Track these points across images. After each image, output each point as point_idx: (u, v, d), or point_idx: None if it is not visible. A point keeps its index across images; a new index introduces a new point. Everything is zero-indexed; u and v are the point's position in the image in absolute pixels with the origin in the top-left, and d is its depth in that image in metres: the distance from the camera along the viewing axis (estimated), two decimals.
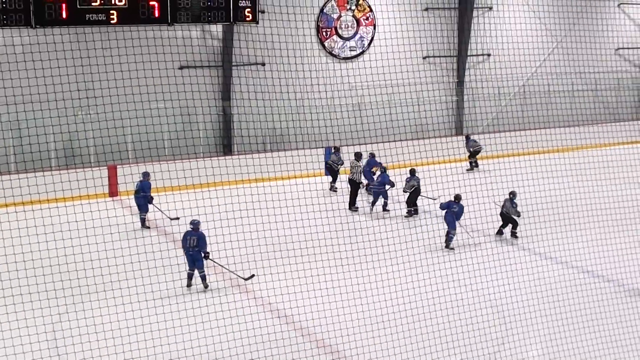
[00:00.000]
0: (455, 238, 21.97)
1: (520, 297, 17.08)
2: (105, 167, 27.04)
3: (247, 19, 18.86)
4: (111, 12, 18.29)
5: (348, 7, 33.55)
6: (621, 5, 39.94)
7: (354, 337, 15.05)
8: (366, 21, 34.03)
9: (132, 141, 23.11)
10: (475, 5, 35.44)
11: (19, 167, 26.50)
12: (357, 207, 26.29)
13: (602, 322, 15.69)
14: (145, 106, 20.97)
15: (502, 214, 22.70)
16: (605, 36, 38.31)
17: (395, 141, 29.40)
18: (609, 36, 38.33)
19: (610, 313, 16.26)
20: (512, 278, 17.47)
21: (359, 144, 27.91)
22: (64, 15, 18.11)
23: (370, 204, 26.49)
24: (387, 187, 25.94)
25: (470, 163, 33.04)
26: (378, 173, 26.66)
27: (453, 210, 22.01)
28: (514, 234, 22.74)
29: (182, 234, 18.85)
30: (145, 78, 19.12)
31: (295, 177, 28.42)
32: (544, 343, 15.64)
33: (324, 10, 33.06)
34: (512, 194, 22.38)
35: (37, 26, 17.86)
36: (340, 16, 33.48)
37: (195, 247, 18.40)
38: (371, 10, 33.97)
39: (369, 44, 34.22)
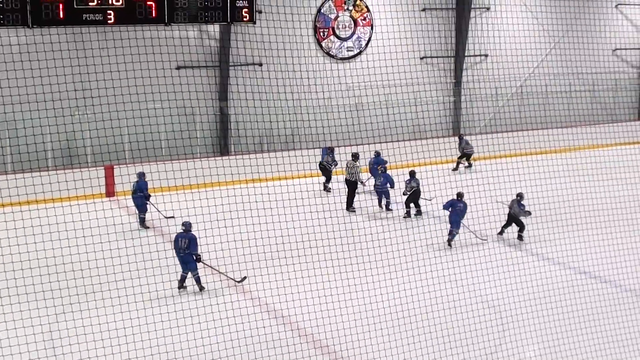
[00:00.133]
0: (456, 237, 22.01)
1: (517, 298, 17.07)
2: (102, 167, 27.03)
3: (245, 19, 18.88)
4: (108, 12, 18.29)
5: (345, 8, 33.55)
6: (619, 6, 39.97)
7: (351, 338, 15.03)
8: (363, 21, 34.03)
9: (129, 141, 23.13)
10: (472, 6, 35.45)
11: (16, 167, 26.48)
12: (355, 209, 26.25)
13: (599, 323, 15.68)
14: (142, 106, 20.97)
15: (509, 215, 22.53)
16: (602, 37, 38.34)
17: (392, 142, 29.41)
18: (607, 37, 38.36)
19: (608, 313, 16.25)
20: (509, 278, 17.45)
21: (356, 145, 27.89)
22: (61, 15, 18.11)
23: (378, 204, 26.74)
24: (388, 186, 26.04)
25: (457, 163, 33.05)
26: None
27: (458, 209, 22.03)
28: (520, 237, 22.46)
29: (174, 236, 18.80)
30: (142, 78, 19.09)
31: (293, 178, 28.41)
32: (542, 343, 15.63)
33: (322, 11, 33.05)
34: (520, 196, 22.16)
35: (34, 26, 17.87)
36: (337, 16, 33.47)
37: (186, 250, 18.27)
38: (368, 11, 33.97)
39: (367, 45, 34.22)
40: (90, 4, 18.24)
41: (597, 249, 19.65)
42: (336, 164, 28.84)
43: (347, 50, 34.03)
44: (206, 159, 27.11)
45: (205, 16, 19.00)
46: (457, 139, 33.83)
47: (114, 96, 20.93)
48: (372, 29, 34.17)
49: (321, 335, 15.53)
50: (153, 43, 19.59)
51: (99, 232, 18.59)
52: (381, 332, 15.49)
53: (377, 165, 28.10)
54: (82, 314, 16.48)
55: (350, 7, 33.67)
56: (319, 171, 29.22)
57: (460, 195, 22.15)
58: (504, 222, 22.81)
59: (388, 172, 26.64)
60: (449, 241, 21.96)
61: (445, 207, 22.22)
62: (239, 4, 19.05)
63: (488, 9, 36.06)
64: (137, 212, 24.50)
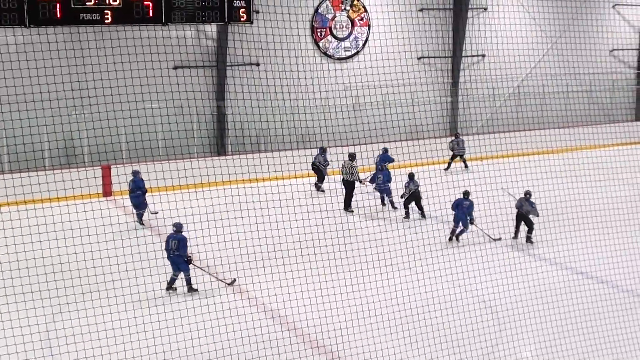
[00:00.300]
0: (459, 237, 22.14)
1: (514, 298, 17.08)
2: (99, 167, 27.03)
3: (242, 19, 18.85)
4: (105, 11, 18.26)
5: (343, 8, 33.55)
6: (616, 7, 39.99)
7: (348, 338, 15.04)
8: (361, 21, 34.03)
9: (126, 141, 23.14)
10: (470, 6, 35.47)
11: (13, 166, 26.45)
12: (353, 209, 26.24)
13: (596, 323, 15.70)
14: (140, 106, 20.94)
15: (519, 215, 22.42)
16: (599, 37, 38.35)
17: (389, 142, 29.45)
18: (604, 37, 38.38)
19: (604, 314, 16.27)
20: (506, 279, 17.46)
21: (354, 145, 27.88)
22: (58, 15, 18.08)
23: (381, 202, 27.02)
24: (389, 183, 26.23)
25: (449, 164, 33.06)
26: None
27: (465, 207, 22.15)
28: (529, 239, 22.32)
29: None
30: (140, 78, 19.09)
31: (290, 178, 28.41)
32: (538, 344, 15.65)
33: (319, 11, 33.06)
34: (529, 194, 22.12)
35: (31, 26, 17.82)
36: (334, 16, 33.47)
37: (176, 251, 18.21)
38: (366, 11, 33.97)
39: (364, 45, 34.23)
40: (87, 3, 18.21)
41: (594, 250, 19.67)
42: (328, 164, 28.86)
43: (345, 50, 34.03)
44: (203, 158, 27.08)
45: (203, 16, 18.98)
46: (454, 138, 33.83)
47: (111, 96, 20.90)
48: (369, 29, 34.18)
49: (318, 336, 15.54)
50: (150, 43, 19.57)
51: (96, 232, 18.58)
52: (378, 332, 15.50)
53: (384, 163, 28.34)
54: (79, 313, 16.47)
55: (348, 7, 33.68)
56: (311, 171, 29.22)
57: (466, 193, 22.23)
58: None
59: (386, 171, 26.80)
60: (454, 238, 22.36)
61: (453, 206, 22.34)
62: (236, 3, 19.03)
63: (485, 9, 36.08)
64: (134, 211, 24.55)
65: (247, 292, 18.21)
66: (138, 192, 24.13)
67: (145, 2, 18.15)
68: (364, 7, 33.94)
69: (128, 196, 24.76)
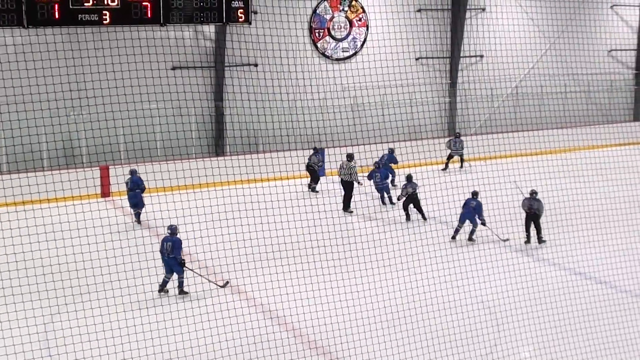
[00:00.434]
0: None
1: (513, 299, 17.09)
2: (98, 168, 27.02)
3: (240, 19, 18.84)
4: (104, 12, 18.25)
5: (341, 8, 33.55)
6: (614, 7, 40.01)
7: (347, 339, 15.03)
8: (359, 22, 34.03)
9: (125, 142, 23.07)
10: (468, 7, 35.48)
11: (11, 167, 26.46)
12: (352, 210, 26.22)
13: (595, 324, 15.70)
14: (138, 107, 20.93)
15: (528, 217, 22.24)
16: (598, 38, 38.37)
17: (388, 142, 29.45)
18: (602, 38, 38.38)
19: (603, 314, 16.27)
20: (505, 279, 17.47)
21: (352, 145, 27.90)
22: (57, 16, 18.07)
23: (381, 201, 27.20)
24: (388, 181, 26.35)
25: (446, 164, 33.09)
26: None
27: (472, 206, 22.19)
28: (541, 239, 22.25)
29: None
30: (138, 78, 19.07)
31: (288, 178, 28.41)
32: (537, 344, 15.64)
33: (317, 11, 33.06)
34: (535, 192, 22.13)
35: (30, 26, 17.82)
36: (333, 17, 33.48)
37: (170, 253, 18.13)
38: (364, 12, 33.98)
39: (362, 45, 34.23)
40: (85, 4, 18.21)
41: (592, 250, 19.68)
42: (322, 164, 28.88)
43: (343, 51, 34.04)
44: (201, 159, 27.06)
45: (201, 17, 18.97)
46: (453, 137, 33.83)
47: (109, 96, 20.89)
48: (367, 29, 34.18)
49: (317, 336, 15.55)
50: (148, 43, 19.54)
51: (94, 233, 18.60)
52: (377, 332, 15.51)
53: (390, 163, 28.52)
54: (78, 314, 16.46)
55: (346, 8, 33.68)
56: (307, 172, 29.22)
57: (475, 193, 22.31)
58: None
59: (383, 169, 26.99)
60: (468, 239, 22.53)
61: (463, 205, 22.48)
62: (235, 4, 19.02)
63: (483, 9, 36.08)
64: (132, 210, 24.58)
65: (246, 292, 18.20)
66: (137, 191, 24.17)
67: (144, 3, 18.15)
68: (362, 7, 33.94)
69: (126, 196, 24.75)
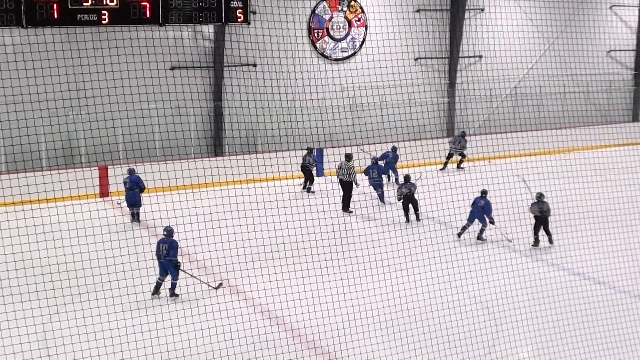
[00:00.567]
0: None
1: (511, 299, 17.08)
2: (96, 168, 27.01)
3: (239, 19, 18.83)
4: (102, 12, 18.24)
5: (340, 9, 33.56)
6: (613, 7, 40.02)
7: (346, 339, 15.03)
8: (358, 22, 34.04)
9: (123, 142, 23.06)
10: (467, 7, 35.49)
11: (10, 167, 26.45)
12: (352, 210, 26.21)
13: (593, 324, 15.70)
14: (137, 107, 20.92)
15: (539, 220, 22.08)
16: (596, 38, 38.39)
17: (386, 142, 29.48)
18: (601, 38, 38.40)
19: (601, 315, 16.26)
20: (503, 280, 17.46)
21: (350, 145, 27.90)
22: (55, 15, 18.06)
23: (379, 199, 27.31)
24: (384, 178, 26.51)
25: (445, 163, 33.12)
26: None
27: (480, 205, 22.24)
28: (551, 241, 22.16)
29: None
30: (137, 78, 19.05)
31: (287, 178, 28.41)
32: (536, 345, 15.65)
33: (316, 12, 33.06)
34: (542, 195, 22.07)
35: (29, 26, 17.80)
36: (332, 17, 33.48)
37: (167, 256, 18.05)
38: (363, 12, 33.98)
39: (361, 45, 34.24)
40: (84, 4, 18.20)
41: (591, 251, 19.67)
42: (316, 164, 28.87)
43: (342, 51, 34.04)
44: (200, 159, 27.05)
45: (200, 17, 18.96)
46: (457, 136, 33.83)
47: (108, 96, 20.88)
48: (366, 29, 34.18)
49: (315, 337, 15.54)
50: (147, 43, 19.52)
51: (93, 232, 18.57)
52: (375, 332, 15.51)
53: (395, 161, 28.67)
54: (76, 314, 16.46)
55: (345, 8, 33.68)
56: (301, 173, 29.23)
57: (484, 192, 22.39)
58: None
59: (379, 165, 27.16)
60: (477, 238, 22.64)
61: (472, 204, 22.55)
62: (233, 4, 19.01)
63: (482, 10, 36.09)
64: (130, 209, 24.60)
65: (245, 293, 18.20)
66: (136, 190, 24.19)
67: (143, 3, 18.13)
68: (361, 8, 33.94)
69: (125, 195, 24.72)
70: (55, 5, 17.74)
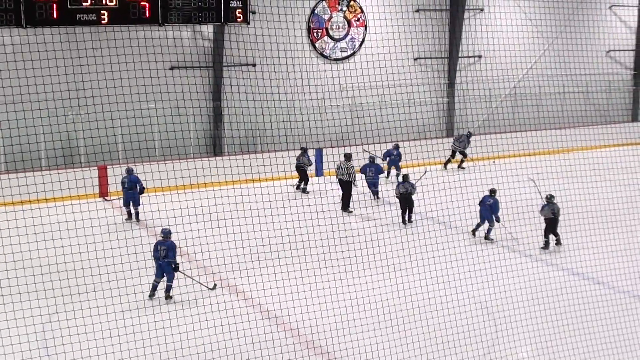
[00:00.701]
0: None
1: (511, 299, 17.07)
2: (96, 168, 27.01)
3: (238, 19, 18.87)
4: (102, 12, 18.28)
5: (339, 8, 33.55)
6: (612, 8, 40.01)
7: (345, 339, 15.03)
8: (357, 22, 34.03)
9: (123, 141, 23.09)
10: (466, 7, 35.47)
11: (9, 167, 26.43)
12: (352, 210, 26.20)
13: (592, 324, 15.71)
14: (136, 106, 20.92)
15: (551, 222, 22.00)
16: (596, 38, 38.39)
17: (386, 142, 29.47)
18: (600, 38, 38.40)
19: (600, 315, 16.28)
20: (502, 280, 17.46)
21: (350, 145, 27.90)
22: (55, 15, 18.10)
23: (376, 197, 27.56)
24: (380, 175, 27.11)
25: (448, 161, 33.19)
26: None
27: (488, 204, 22.32)
28: (559, 242, 22.12)
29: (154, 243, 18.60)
30: (136, 78, 19.05)
31: (286, 178, 28.46)
32: (535, 345, 15.66)
33: (315, 11, 33.06)
34: (552, 197, 21.98)
35: (28, 26, 17.84)
36: (331, 17, 33.47)
37: (164, 258, 17.92)
38: (362, 12, 33.97)
39: (360, 45, 34.22)
40: (84, 4, 18.22)
41: (590, 251, 19.68)
42: (310, 164, 28.87)
43: (341, 51, 34.02)
44: (199, 159, 27.06)
45: (199, 17, 18.99)
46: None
47: (107, 96, 20.88)
48: (365, 29, 34.18)
49: (315, 337, 15.54)
50: (147, 43, 19.53)
51: (92, 232, 18.56)
52: (374, 332, 15.51)
53: (399, 159, 28.81)
54: (76, 313, 16.46)
55: (344, 8, 33.67)
56: (296, 172, 29.22)
57: (492, 191, 22.48)
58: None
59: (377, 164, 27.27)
60: (487, 235, 22.72)
61: (480, 203, 22.64)
62: (233, 4, 19.04)
63: (482, 10, 36.08)
64: (127, 209, 24.61)
65: (244, 292, 18.20)
66: (135, 189, 24.22)
67: (142, 3, 18.16)
68: (360, 7, 33.94)
69: (123, 195, 24.69)
70: (54, 5, 17.75)
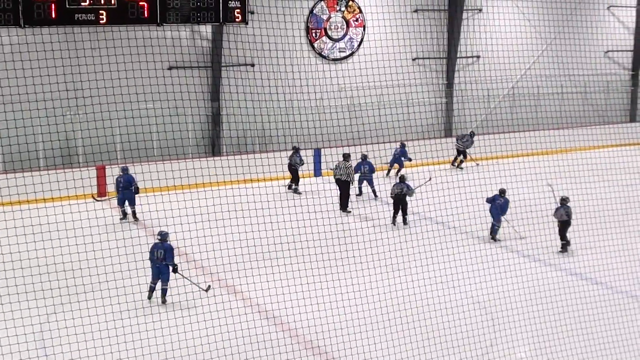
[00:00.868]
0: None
1: (509, 299, 17.08)
2: (94, 168, 27.00)
3: (237, 19, 18.88)
4: (100, 12, 18.28)
5: (338, 9, 33.54)
6: (610, 8, 40.03)
7: (343, 339, 15.03)
8: (356, 22, 34.02)
9: (121, 142, 23.10)
10: (465, 7, 35.46)
11: (7, 167, 26.42)
12: (350, 210, 26.18)
13: (590, 324, 15.72)
14: (134, 107, 20.94)
15: (563, 223, 21.94)
16: (594, 39, 38.40)
17: (384, 143, 29.47)
18: (598, 39, 38.42)
19: (599, 315, 16.28)
20: (501, 280, 17.46)
21: (348, 145, 27.89)
22: (53, 15, 18.09)
23: (374, 194, 27.84)
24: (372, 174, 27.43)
25: (457, 159, 33.26)
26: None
27: (498, 204, 22.40)
28: (569, 244, 21.91)
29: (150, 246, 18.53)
30: (134, 78, 19.03)
31: (285, 178, 28.45)
32: (533, 345, 15.66)
33: (314, 12, 33.04)
34: (567, 199, 21.89)
35: (26, 26, 17.83)
36: (329, 17, 33.46)
37: (162, 261, 17.78)
38: (361, 12, 33.96)
39: (359, 46, 34.21)
40: (82, 3, 18.22)
41: (588, 251, 19.69)
42: (303, 163, 28.85)
43: (339, 51, 34.01)
44: (198, 159, 27.07)
45: (198, 17, 19.00)
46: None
47: (105, 96, 20.87)
48: (364, 30, 34.17)
49: (313, 337, 15.55)
50: (145, 43, 19.51)
51: (91, 232, 18.56)
52: (373, 333, 15.52)
53: (403, 156, 28.84)
54: (73, 313, 16.44)
55: (343, 8, 33.66)
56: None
57: (502, 191, 22.54)
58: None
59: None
60: (493, 236, 22.84)
61: (488, 200, 22.70)
62: (231, 4, 19.05)
63: (480, 10, 36.08)
64: (121, 208, 24.61)
65: (242, 293, 18.19)
66: (130, 189, 24.21)
67: (140, 3, 18.16)
68: (358, 8, 33.93)
69: (120, 194, 24.65)
70: (52, 5, 17.74)
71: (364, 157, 27.42)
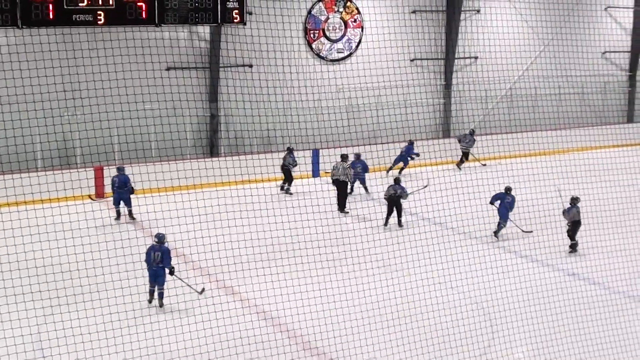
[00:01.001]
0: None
1: (507, 299, 17.08)
2: (92, 168, 26.97)
3: (235, 20, 18.86)
4: (98, 12, 18.24)
5: (336, 9, 33.54)
6: (608, 9, 40.06)
7: (341, 340, 15.03)
8: (354, 23, 34.03)
9: (119, 142, 23.07)
10: (462, 8, 35.47)
11: (4, 167, 26.39)
12: (348, 211, 26.16)
13: (588, 325, 15.71)
14: (132, 107, 20.89)
15: (574, 224, 21.82)
16: (592, 40, 38.40)
17: (382, 143, 29.45)
18: (596, 40, 38.44)
19: (597, 315, 16.28)
20: (499, 280, 17.46)
21: (346, 146, 27.90)
22: (51, 16, 18.06)
23: (366, 191, 28.19)
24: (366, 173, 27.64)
25: (462, 160, 33.34)
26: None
27: (506, 202, 22.48)
28: (576, 246, 21.87)
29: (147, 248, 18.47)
30: (132, 79, 19.03)
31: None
32: (531, 345, 15.66)
33: (312, 12, 33.05)
34: (577, 199, 21.79)
35: (24, 26, 17.80)
36: (328, 18, 33.46)
37: (159, 263, 17.68)
38: (359, 13, 33.97)
39: (357, 46, 34.22)
40: (80, 4, 18.20)
41: (587, 251, 19.71)
42: (296, 164, 28.83)
43: (338, 52, 34.02)
44: (195, 160, 27.07)
45: (196, 17, 18.98)
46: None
47: (103, 97, 20.85)
48: (362, 30, 34.17)
49: (311, 337, 15.53)
50: (143, 44, 19.53)
51: (88, 233, 18.58)
52: (371, 333, 15.50)
53: (409, 155, 28.96)
54: (71, 315, 16.39)
55: (341, 9, 33.67)
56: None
57: (508, 189, 22.57)
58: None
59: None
60: (496, 233, 22.83)
61: (492, 200, 22.72)
62: (229, 5, 19.04)
63: (478, 11, 36.11)
64: (124, 209, 24.59)
65: (241, 294, 18.19)
66: (126, 189, 24.21)
67: (139, 4, 18.13)
68: (357, 9, 33.94)
69: (115, 194, 24.62)
70: (50, 6, 17.72)
71: (357, 156, 27.47)
